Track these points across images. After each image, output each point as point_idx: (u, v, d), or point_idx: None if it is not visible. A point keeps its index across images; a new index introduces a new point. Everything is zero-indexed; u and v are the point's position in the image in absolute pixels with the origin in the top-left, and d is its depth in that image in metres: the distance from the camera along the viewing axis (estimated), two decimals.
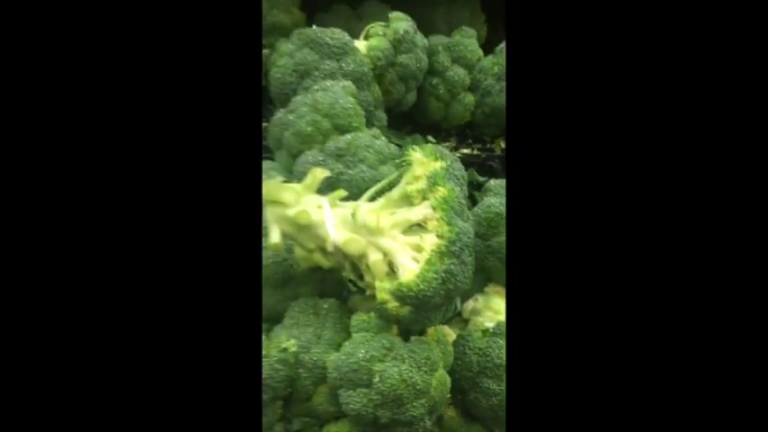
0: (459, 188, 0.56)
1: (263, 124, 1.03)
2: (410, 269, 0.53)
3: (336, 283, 0.73)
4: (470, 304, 0.80)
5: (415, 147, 0.59)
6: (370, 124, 0.91)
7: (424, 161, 0.57)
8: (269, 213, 0.60)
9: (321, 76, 0.87)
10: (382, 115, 0.97)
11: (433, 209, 0.54)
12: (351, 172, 0.74)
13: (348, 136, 0.77)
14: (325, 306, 0.66)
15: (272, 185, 0.60)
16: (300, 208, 0.58)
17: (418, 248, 0.55)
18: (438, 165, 0.56)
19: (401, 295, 0.52)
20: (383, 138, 0.81)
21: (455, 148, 1.12)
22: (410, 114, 1.09)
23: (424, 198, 0.56)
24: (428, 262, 0.52)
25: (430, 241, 0.53)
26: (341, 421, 0.60)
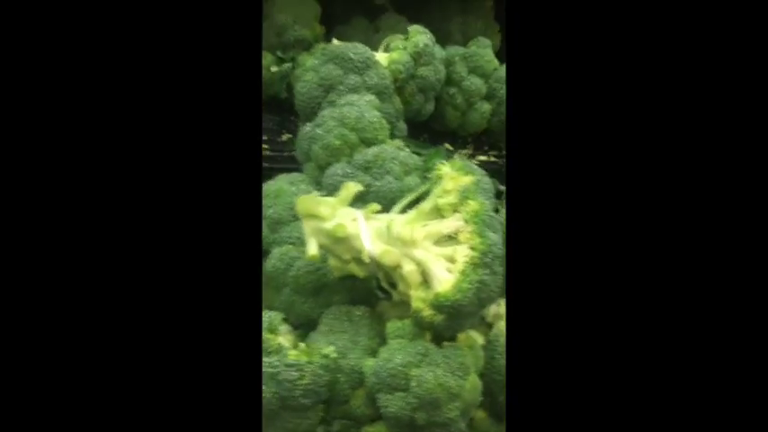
0: (488, 201, 0.59)
1: (288, 136, 1.07)
2: (445, 280, 0.56)
3: (366, 290, 0.76)
4: (494, 309, 0.83)
5: (444, 162, 0.63)
6: (392, 135, 0.94)
7: (455, 176, 0.60)
8: (306, 226, 0.64)
9: (345, 90, 0.90)
10: (403, 126, 1.00)
11: (465, 222, 0.57)
12: (378, 183, 0.77)
13: (375, 149, 0.80)
14: (358, 313, 0.70)
15: (308, 200, 0.64)
16: (337, 221, 0.62)
17: (451, 259, 0.58)
18: (469, 179, 0.59)
19: (438, 305, 0.56)
20: (407, 149, 0.84)
21: (471, 156, 1.15)
22: (427, 123, 1.12)
23: (455, 211, 0.59)
24: (463, 273, 0.55)
25: (463, 253, 0.56)
26: (377, 423, 0.63)
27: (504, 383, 0.65)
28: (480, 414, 0.68)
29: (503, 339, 0.68)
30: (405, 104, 1.00)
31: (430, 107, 1.06)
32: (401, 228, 0.60)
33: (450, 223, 0.59)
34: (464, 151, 1.15)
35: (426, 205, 0.62)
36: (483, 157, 1.15)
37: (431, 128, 1.15)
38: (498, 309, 0.83)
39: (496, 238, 0.57)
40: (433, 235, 0.60)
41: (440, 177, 0.62)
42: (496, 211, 0.88)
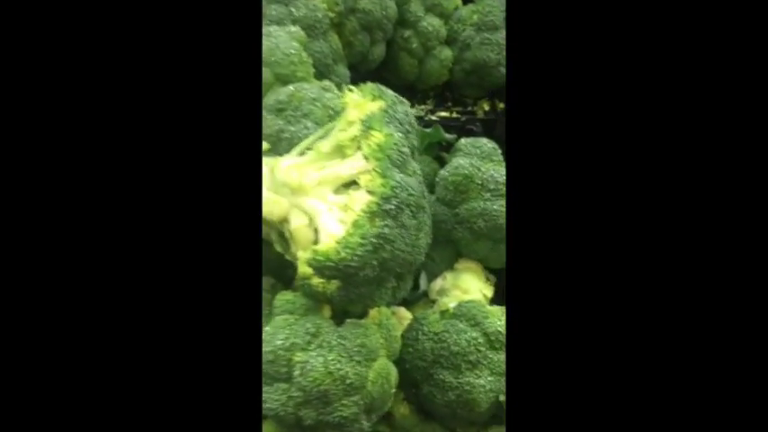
0: (401, 135, 0.45)
1: None
2: (332, 234, 0.42)
3: (277, 259, 0.62)
4: (438, 283, 0.69)
5: (351, 87, 0.48)
6: (323, 78, 0.80)
7: (360, 102, 0.46)
8: None
9: (267, 22, 0.76)
10: (344, 71, 0.85)
11: (366, 159, 0.43)
12: (292, 129, 0.63)
13: (290, 87, 0.66)
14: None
15: None
16: None
17: (346, 209, 0.44)
18: (375, 106, 0.45)
19: (318, 266, 0.42)
20: (336, 91, 0.70)
21: (432, 112, 1.00)
22: (380, 73, 0.97)
23: (359, 148, 0.45)
24: (355, 224, 0.41)
25: (360, 199, 0.42)
26: (266, 421, 0.50)
27: (429, 373, 0.52)
28: (402, 409, 0.54)
29: (433, 317, 0.54)
30: (346, 45, 0.86)
31: (379, 51, 0.91)
32: (288, 171, 0.46)
33: (351, 163, 0.45)
34: (423, 107, 1.01)
35: (326, 144, 0.47)
36: (445, 114, 1.01)
37: (385, 80, 1.00)
38: (443, 283, 0.70)
39: (409, 182, 0.43)
40: (329, 180, 0.46)
41: (344, 107, 0.48)
42: (440, 161, 0.74)
